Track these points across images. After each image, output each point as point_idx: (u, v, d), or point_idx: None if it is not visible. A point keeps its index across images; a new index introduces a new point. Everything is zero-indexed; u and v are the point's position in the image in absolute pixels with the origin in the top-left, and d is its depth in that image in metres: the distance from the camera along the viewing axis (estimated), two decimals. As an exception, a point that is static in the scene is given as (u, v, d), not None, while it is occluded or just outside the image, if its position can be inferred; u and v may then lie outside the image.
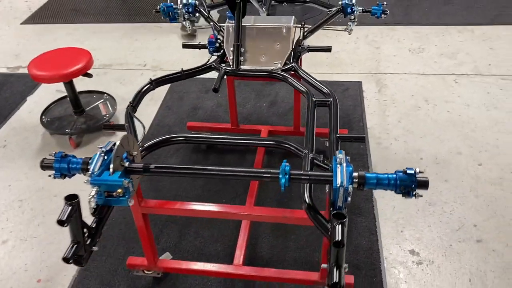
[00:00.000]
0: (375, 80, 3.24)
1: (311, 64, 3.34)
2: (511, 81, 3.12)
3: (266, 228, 2.18)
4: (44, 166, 1.40)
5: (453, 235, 2.10)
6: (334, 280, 1.06)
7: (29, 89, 3.36)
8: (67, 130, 2.74)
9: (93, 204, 1.29)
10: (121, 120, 2.96)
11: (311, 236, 2.13)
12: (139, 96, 1.90)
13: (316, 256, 2.04)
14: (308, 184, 1.40)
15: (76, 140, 2.77)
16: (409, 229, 2.14)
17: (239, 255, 1.88)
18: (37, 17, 4.50)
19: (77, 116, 2.86)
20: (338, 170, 1.25)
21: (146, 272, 1.90)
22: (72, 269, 2.05)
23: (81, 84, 3.03)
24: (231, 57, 2.05)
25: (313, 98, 1.79)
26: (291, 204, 2.29)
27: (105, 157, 1.36)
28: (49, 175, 1.41)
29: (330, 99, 1.79)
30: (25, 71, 3.55)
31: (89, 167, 1.35)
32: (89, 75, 2.72)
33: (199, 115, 2.98)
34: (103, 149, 1.36)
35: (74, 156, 1.42)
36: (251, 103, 3.07)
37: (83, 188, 2.29)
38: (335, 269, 1.09)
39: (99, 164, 1.33)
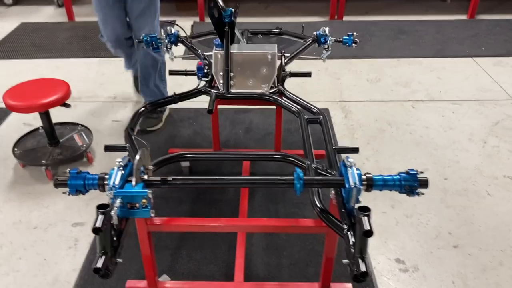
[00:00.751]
0: (341, 107, 3.46)
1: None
2: (460, 105, 3.45)
3: (258, 247, 2.23)
4: (58, 184, 1.40)
5: (432, 243, 2.26)
6: (363, 269, 1.15)
7: (-6, 123, 3.24)
8: (43, 161, 2.67)
9: (115, 217, 1.30)
10: (98, 151, 2.93)
11: (302, 252, 2.20)
12: (136, 118, 1.94)
13: (309, 271, 2.11)
14: (317, 190, 1.49)
15: (52, 171, 2.70)
16: (392, 239, 2.27)
17: (239, 272, 1.91)
18: (-6, 53, 4.39)
19: (52, 147, 2.79)
20: (350, 172, 1.36)
21: (146, 296, 1.87)
22: (62, 300, 1.97)
23: (52, 116, 2.97)
24: (220, 82, 2.15)
25: (305, 117, 1.92)
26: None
27: (123, 172, 1.38)
28: (64, 193, 1.41)
29: (321, 116, 1.93)
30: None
31: (105, 182, 1.37)
32: (67, 105, 2.70)
33: (177, 142, 3.02)
34: (121, 163, 1.39)
35: (88, 173, 1.44)
36: (227, 130, 3.16)
37: (64, 217, 2.24)
38: (360, 260, 1.18)
39: (118, 177, 1.35)
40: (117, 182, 1.34)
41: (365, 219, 1.16)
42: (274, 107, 2.61)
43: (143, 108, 2.01)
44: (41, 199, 2.55)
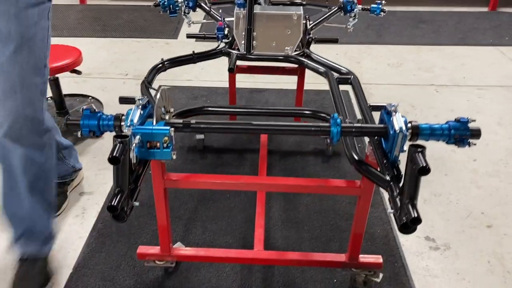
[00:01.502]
0: (363, 89, 3.31)
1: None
2: (486, 91, 3.30)
3: (276, 220, 2.08)
4: (70, 124, 1.27)
5: (464, 222, 2.11)
6: (414, 215, 1.01)
7: (1, 95, 3.12)
8: (51, 130, 2.54)
9: (134, 157, 1.17)
10: (108, 123, 2.80)
11: (324, 227, 2.06)
12: (153, 74, 1.81)
13: (332, 245, 1.96)
14: (354, 143, 1.36)
15: (61, 140, 2.57)
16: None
17: (259, 241, 1.76)
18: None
19: (61, 117, 2.67)
20: (394, 117, 1.22)
21: (158, 262, 1.73)
22: (67, 267, 1.83)
23: (62, 88, 2.86)
24: (242, 42, 2.02)
25: (334, 76, 1.79)
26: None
27: (142, 112, 1.25)
28: (74, 133, 1.28)
29: (351, 76, 1.80)
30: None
31: (122, 123, 1.24)
32: (78, 72, 2.58)
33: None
34: (140, 102, 1.26)
35: (103, 112, 1.30)
36: (243, 108, 3.03)
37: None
38: (410, 206, 1.04)
39: (137, 116, 1.22)
40: (135, 119, 1.21)
41: (419, 155, 1.02)
42: (292, 87, 2.49)
43: (160, 65, 1.88)
44: (48, 167, 2.42)
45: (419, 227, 1.89)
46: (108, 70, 3.58)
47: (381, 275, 1.71)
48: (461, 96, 3.23)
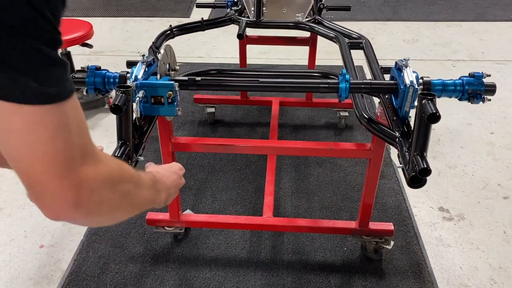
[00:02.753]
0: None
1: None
2: (505, 65, 3.20)
3: (286, 190, 2.06)
4: (75, 81, 1.26)
5: (479, 193, 2.06)
6: (422, 166, 0.97)
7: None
8: (63, 103, 2.56)
9: (137, 112, 1.16)
10: (120, 98, 2.80)
11: (335, 197, 2.03)
12: (161, 39, 1.81)
13: (343, 215, 1.93)
14: (363, 101, 1.32)
15: (73, 114, 2.59)
16: (434, 189, 2.08)
17: (268, 208, 1.75)
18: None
19: (73, 91, 2.68)
20: (405, 72, 1.18)
21: (167, 228, 1.73)
22: (78, 234, 1.85)
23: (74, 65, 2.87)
24: (252, 9, 1.99)
25: (346, 41, 1.74)
26: (308, 169, 2.19)
27: (146, 69, 1.24)
28: (78, 89, 1.27)
29: (363, 41, 1.75)
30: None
31: (127, 81, 1.23)
32: (89, 46, 2.58)
33: (202, 91, 2.88)
34: (145, 59, 1.24)
35: (108, 70, 1.30)
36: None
37: None
38: (419, 157, 1.00)
39: (142, 71, 1.21)
40: (140, 75, 1.19)
41: (429, 103, 0.98)
42: (306, 63, 2.44)
43: (169, 31, 1.86)
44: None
45: (432, 197, 1.85)
46: (121, 48, 3.58)
47: (392, 242, 1.68)
48: (479, 70, 3.13)
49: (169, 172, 0.88)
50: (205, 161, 2.25)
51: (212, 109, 2.52)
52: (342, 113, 2.44)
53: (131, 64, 1.53)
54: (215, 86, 1.28)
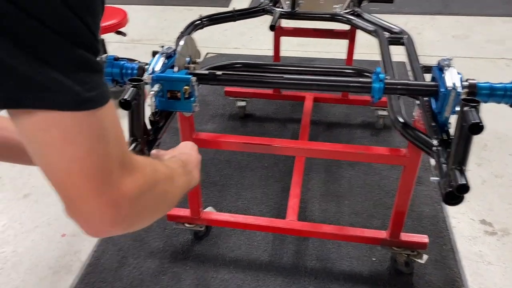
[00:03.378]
0: (421, 61, 3.05)
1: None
2: None
3: (315, 192, 1.96)
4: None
5: (528, 207, 1.88)
6: (461, 182, 0.85)
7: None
8: (96, 91, 2.56)
9: (153, 107, 1.09)
10: (152, 87, 2.78)
11: (367, 202, 1.91)
12: (190, 29, 1.74)
13: (375, 223, 1.81)
14: (399, 103, 1.20)
15: (105, 102, 2.59)
16: (476, 199, 1.91)
17: (292, 210, 1.66)
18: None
19: (107, 79, 2.68)
20: (447, 73, 1.05)
21: (188, 225, 1.68)
22: (100, 225, 1.83)
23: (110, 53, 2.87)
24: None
25: (385, 36, 1.61)
26: (340, 171, 2.08)
27: (165, 61, 1.17)
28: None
29: (405, 36, 1.61)
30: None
31: (146, 72, 1.17)
32: (123, 34, 2.56)
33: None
34: (165, 50, 1.18)
35: (127, 61, 1.24)
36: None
37: None
38: (458, 172, 0.88)
39: (160, 64, 1.14)
40: (157, 67, 1.13)
41: (472, 111, 0.86)
42: (344, 56, 2.32)
43: (198, 21, 1.79)
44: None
45: (474, 208, 1.69)
46: (158, 36, 3.56)
47: (425, 256, 1.55)
48: (536, 71, 2.89)
49: (188, 151, 0.87)
50: (232, 156, 2.18)
51: (243, 103, 2.44)
52: (381, 112, 2.30)
53: (156, 53, 1.47)
54: (236, 82, 1.20)
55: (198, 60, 1.23)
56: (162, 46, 1.18)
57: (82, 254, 1.71)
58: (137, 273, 1.62)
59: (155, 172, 0.59)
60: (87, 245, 1.75)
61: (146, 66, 1.18)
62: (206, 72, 1.17)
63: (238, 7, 1.94)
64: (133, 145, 0.99)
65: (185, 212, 1.67)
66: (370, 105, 2.37)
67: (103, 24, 2.40)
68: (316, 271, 1.61)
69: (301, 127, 2.12)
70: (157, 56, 1.16)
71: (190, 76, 1.08)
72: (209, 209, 1.75)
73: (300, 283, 1.57)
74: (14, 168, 2.12)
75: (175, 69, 1.11)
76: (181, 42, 1.14)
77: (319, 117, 2.48)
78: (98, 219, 0.49)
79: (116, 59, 1.20)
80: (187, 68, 1.16)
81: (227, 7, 4.09)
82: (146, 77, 1.09)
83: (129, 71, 1.20)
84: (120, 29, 2.50)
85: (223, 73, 1.17)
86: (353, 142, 2.27)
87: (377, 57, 2.90)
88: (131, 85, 0.98)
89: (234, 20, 1.89)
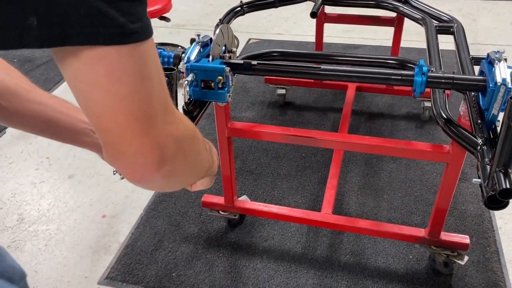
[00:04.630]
0: (474, 50, 2.89)
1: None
2: None
3: (353, 185, 1.92)
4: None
5: None
6: (505, 186, 0.79)
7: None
8: (139, 76, 2.61)
9: (186, 97, 1.09)
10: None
11: (407, 198, 1.84)
12: (230, 16, 1.72)
13: (414, 218, 1.75)
14: (444, 98, 1.13)
15: (148, 87, 2.64)
16: (527, 199, 1.80)
17: (328, 203, 1.62)
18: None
19: (150, 64, 2.73)
20: (497, 67, 0.98)
21: (222, 212, 1.69)
22: (139, 208, 1.88)
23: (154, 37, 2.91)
24: (330, -15, 1.82)
25: (434, 25, 1.52)
26: (381, 164, 2.02)
27: (201, 50, 1.16)
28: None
29: (455, 25, 1.52)
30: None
31: (182, 60, 1.16)
32: (167, 19, 2.58)
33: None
34: (201, 39, 1.17)
35: (163, 49, 1.24)
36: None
37: None
38: (502, 175, 0.82)
39: (195, 53, 1.13)
40: (192, 57, 1.12)
41: (521, 110, 0.79)
42: (388, 42, 2.23)
43: (239, 8, 1.77)
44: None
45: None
46: (202, 22, 3.57)
47: (466, 258, 1.47)
48: None
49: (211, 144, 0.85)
50: (270, 145, 2.16)
51: (283, 91, 2.41)
52: (427, 104, 2.20)
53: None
54: (272, 72, 1.17)
55: (234, 49, 1.21)
56: (198, 35, 1.17)
57: (120, 236, 1.77)
58: (172, 257, 1.66)
59: (195, 128, 0.59)
60: (125, 226, 1.80)
61: (183, 54, 1.18)
62: (241, 61, 1.15)
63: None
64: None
65: (219, 199, 1.68)
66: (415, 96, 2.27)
67: (148, 10, 2.43)
68: (350, 265, 1.58)
69: (342, 117, 2.06)
70: (192, 45, 1.15)
71: (224, 66, 1.06)
72: (244, 197, 1.75)
73: (333, 277, 1.55)
74: (61, 149, 2.22)
75: (210, 58, 1.10)
76: (217, 31, 1.12)
77: (361, 107, 2.41)
78: (142, 160, 0.47)
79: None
80: (222, 57, 1.15)
81: (272, -9, 4.04)
82: (180, 66, 1.08)
83: (166, 59, 1.20)
84: (164, 15, 2.52)
85: (258, 63, 1.15)
86: (396, 134, 2.20)
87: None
88: (165, 74, 0.97)
89: (276, 7, 1.85)
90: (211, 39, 1.21)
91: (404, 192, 1.87)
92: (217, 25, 1.64)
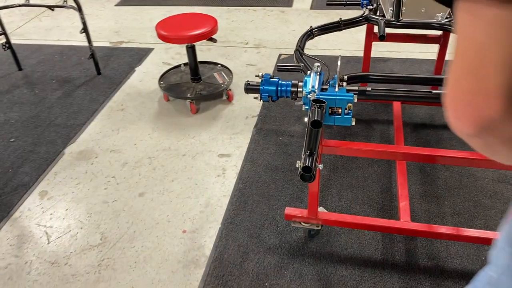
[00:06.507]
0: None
1: (424, 45, 3.24)
2: None
3: (414, 193, 2.06)
4: (249, 88, 1.34)
5: None
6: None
7: (136, 61, 3.38)
8: (188, 95, 2.72)
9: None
10: (236, 91, 2.92)
11: (467, 203, 1.99)
12: (304, 41, 1.85)
13: (477, 223, 1.90)
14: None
15: (196, 105, 2.74)
16: None
17: (404, 211, 1.76)
18: None
19: (195, 83, 2.83)
20: None
21: (304, 224, 1.81)
22: (215, 222, 1.98)
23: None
24: (390, 8, 1.97)
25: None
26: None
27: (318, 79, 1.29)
28: (255, 98, 1.35)
29: None
30: (128, 45, 3.61)
31: (299, 89, 1.29)
32: (214, 40, 2.69)
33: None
34: (318, 69, 1.29)
35: (280, 78, 1.36)
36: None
37: (210, 148, 2.17)
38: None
39: (317, 82, 1.26)
40: (316, 85, 1.24)
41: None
42: (419, 56, 2.39)
43: (309, 32, 1.90)
44: (186, 130, 2.60)
45: None
46: (229, 38, 3.69)
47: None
48: None
49: None
50: (325, 157, 2.29)
51: (331, 105, 2.54)
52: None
53: (281, 68, 1.59)
54: (384, 97, 1.30)
55: (345, 77, 1.34)
56: (318, 66, 1.29)
57: (206, 249, 1.87)
58: (261, 268, 1.76)
59: None
60: (208, 240, 1.90)
61: (299, 83, 1.30)
62: (356, 88, 1.28)
63: (300, 7, 2.03)
64: (310, 158, 1.11)
65: (302, 212, 1.79)
66: (418, 104, 2.43)
67: (198, 31, 2.54)
68: (429, 269, 1.72)
69: (395, 130, 2.21)
70: (312, 74, 1.28)
71: (352, 94, 1.19)
72: (321, 209, 1.87)
73: (416, 279, 1.68)
74: (124, 168, 2.30)
75: (336, 87, 1.23)
76: (339, 62, 1.25)
77: (404, 118, 2.55)
78: (490, 108, 0.47)
79: (272, 77, 1.33)
80: (341, 86, 1.28)
81: (291, 6, 4.19)
82: (310, 95, 1.21)
83: (284, 88, 1.32)
84: (212, 36, 2.64)
85: (372, 89, 1.28)
86: (442, 143, 2.35)
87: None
88: (317, 106, 1.10)
89: (340, 30, 1.99)
90: (321, 69, 1.33)
91: (462, 198, 2.02)
92: (297, 51, 1.77)
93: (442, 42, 2.25)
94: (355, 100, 1.20)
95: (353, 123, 1.24)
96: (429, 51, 3.17)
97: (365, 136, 2.45)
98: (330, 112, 1.22)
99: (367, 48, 2.34)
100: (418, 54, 3.19)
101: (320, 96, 1.20)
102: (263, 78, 1.33)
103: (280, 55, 3.36)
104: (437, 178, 2.13)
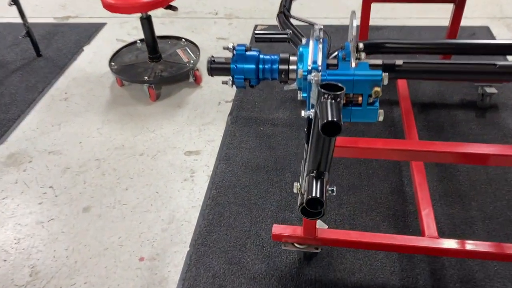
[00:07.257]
0: (505, 24, 2.67)
1: (422, 8, 2.79)
2: None
3: (432, 193, 1.63)
4: (215, 68, 0.87)
5: None
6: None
7: (85, 38, 2.83)
8: (145, 78, 2.21)
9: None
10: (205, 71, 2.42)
11: (499, 203, 1.59)
12: (288, 1, 1.37)
13: (514, 229, 1.50)
14: None
15: (156, 90, 2.24)
16: None
17: (427, 226, 1.34)
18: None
19: (154, 63, 2.32)
20: None
21: (298, 246, 1.37)
22: (182, 244, 1.53)
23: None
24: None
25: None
26: (455, 163, 1.74)
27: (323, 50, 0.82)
28: (224, 82, 0.88)
29: None
30: (76, 21, 3.04)
31: (291, 67, 0.82)
32: (174, 8, 2.18)
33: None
34: (319, 34, 0.83)
35: (260, 51, 0.89)
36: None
37: (175, 144, 1.72)
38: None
39: (320, 55, 0.79)
40: (319, 61, 0.78)
41: None
42: (416, 23, 1.95)
43: (295, -11, 1.42)
44: (145, 122, 2.11)
45: None
46: (196, 8, 3.16)
47: None
48: None
49: None
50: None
51: (321, 84, 2.09)
52: (489, 90, 1.95)
53: (259, 38, 1.11)
54: (423, 73, 0.85)
55: (361, 45, 0.88)
56: (319, 29, 0.83)
57: (170, 284, 1.41)
58: (244, 308, 1.33)
59: None
60: (172, 271, 1.45)
61: (292, 58, 0.83)
62: (380, 61, 0.82)
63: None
64: (322, 181, 0.66)
65: (295, 230, 1.35)
66: (474, 81, 2.01)
67: (152, -2, 2.02)
68: (464, 297, 1.31)
69: (403, 114, 1.77)
70: (311, 44, 0.81)
71: (380, 71, 0.73)
72: (319, 224, 1.43)
73: (449, 314, 1.28)
74: (65, 174, 1.81)
75: (353, 62, 0.77)
76: (354, 23, 0.79)
77: (410, 96, 2.12)
78: None
79: (248, 49, 0.85)
80: (357, 59, 0.82)
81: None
82: (313, 76, 0.74)
83: (268, 66, 0.85)
84: (171, 3, 2.12)
85: (404, 62, 0.82)
86: (458, 127, 1.93)
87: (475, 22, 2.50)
88: (331, 96, 0.63)
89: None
90: (321, 31, 0.86)
91: (492, 196, 1.61)
92: (281, 13, 1.30)
93: (459, 1, 1.80)
94: (386, 82, 0.75)
95: (381, 118, 0.79)
96: (428, 16, 2.73)
97: (364, 123, 2.00)
98: (344, 102, 0.77)
99: (365, 11, 1.89)
100: (415, 20, 2.75)
101: (330, 77, 0.74)
102: (235, 52, 0.85)
103: (256, 26, 2.87)
104: (457, 172, 1.72)
